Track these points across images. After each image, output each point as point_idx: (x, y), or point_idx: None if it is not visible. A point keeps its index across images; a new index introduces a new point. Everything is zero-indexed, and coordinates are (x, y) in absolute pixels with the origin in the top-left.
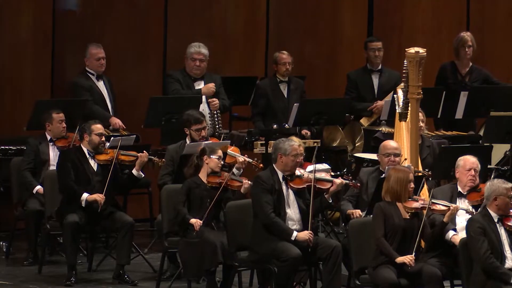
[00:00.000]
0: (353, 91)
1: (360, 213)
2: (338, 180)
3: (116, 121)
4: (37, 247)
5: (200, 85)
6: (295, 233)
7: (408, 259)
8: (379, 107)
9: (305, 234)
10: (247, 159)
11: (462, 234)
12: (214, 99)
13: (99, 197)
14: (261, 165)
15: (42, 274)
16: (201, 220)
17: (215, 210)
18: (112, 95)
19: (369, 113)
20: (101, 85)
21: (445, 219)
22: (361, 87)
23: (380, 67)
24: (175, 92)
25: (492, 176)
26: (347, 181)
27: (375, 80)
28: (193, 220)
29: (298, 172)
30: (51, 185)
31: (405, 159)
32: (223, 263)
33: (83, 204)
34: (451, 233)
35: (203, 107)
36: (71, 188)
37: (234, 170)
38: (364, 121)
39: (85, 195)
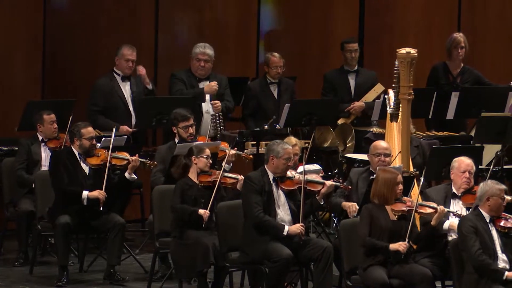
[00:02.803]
0: (330, 92)
1: (357, 207)
2: (329, 182)
3: (125, 129)
4: (28, 247)
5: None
6: (286, 227)
7: (402, 246)
8: (356, 108)
9: (297, 228)
10: (237, 152)
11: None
12: (216, 101)
13: (100, 194)
14: (251, 156)
15: (33, 275)
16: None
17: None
18: (133, 97)
19: (346, 113)
20: (125, 86)
21: (432, 222)
22: (338, 88)
23: (356, 67)
24: (178, 93)
25: (488, 177)
26: (338, 183)
27: (352, 81)
28: (201, 211)
29: (289, 173)
30: (42, 186)
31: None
32: (214, 264)
33: (85, 202)
34: (447, 223)
35: (207, 107)
36: (69, 192)
37: (225, 165)
38: (341, 122)
39: (85, 193)
